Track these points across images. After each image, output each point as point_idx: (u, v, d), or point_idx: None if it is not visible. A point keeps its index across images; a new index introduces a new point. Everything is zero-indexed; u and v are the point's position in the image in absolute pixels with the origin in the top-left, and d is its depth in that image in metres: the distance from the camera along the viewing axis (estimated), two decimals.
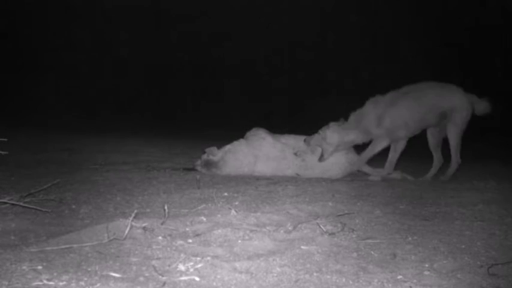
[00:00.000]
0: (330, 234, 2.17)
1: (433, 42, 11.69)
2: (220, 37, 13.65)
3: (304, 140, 4.08)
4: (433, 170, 4.16)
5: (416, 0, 12.30)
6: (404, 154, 4.18)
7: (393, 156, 4.13)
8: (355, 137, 4.09)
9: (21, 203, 2.41)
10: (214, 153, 3.96)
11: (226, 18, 13.32)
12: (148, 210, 2.53)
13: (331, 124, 4.10)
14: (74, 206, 2.55)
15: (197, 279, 1.62)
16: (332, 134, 4.03)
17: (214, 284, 1.60)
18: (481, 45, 11.25)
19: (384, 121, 3.99)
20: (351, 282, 1.66)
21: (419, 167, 4.46)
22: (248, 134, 4.17)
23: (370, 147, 4.07)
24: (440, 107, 3.99)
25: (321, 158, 4.05)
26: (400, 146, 4.12)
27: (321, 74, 12.81)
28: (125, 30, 12.81)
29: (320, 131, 4.08)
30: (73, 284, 1.50)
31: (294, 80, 13.10)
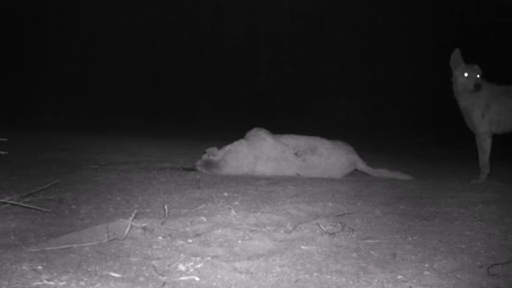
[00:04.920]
0: (330, 234, 2.17)
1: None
2: (220, 36, 13.65)
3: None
4: None
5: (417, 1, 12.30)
6: (407, 154, 4.16)
7: (483, 158, 4.03)
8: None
9: (21, 203, 2.41)
10: (215, 154, 3.96)
11: (226, 18, 13.33)
12: (148, 210, 2.53)
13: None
14: (74, 206, 2.55)
15: (197, 279, 1.62)
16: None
17: (214, 284, 1.60)
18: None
19: (488, 111, 3.93)
20: (351, 282, 1.66)
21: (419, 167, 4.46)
22: (248, 134, 4.17)
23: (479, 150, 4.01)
24: None
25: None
26: (487, 145, 4.03)
27: (321, 74, 12.81)
28: (125, 30, 12.82)
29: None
30: (73, 284, 1.50)
31: (295, 80, 13.10)
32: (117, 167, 4.07)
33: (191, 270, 1.68)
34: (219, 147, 4.02)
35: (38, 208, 2.37)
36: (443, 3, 11.76)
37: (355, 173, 4.24)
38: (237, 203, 2.76)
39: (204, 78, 13.37)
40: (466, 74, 3.93)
